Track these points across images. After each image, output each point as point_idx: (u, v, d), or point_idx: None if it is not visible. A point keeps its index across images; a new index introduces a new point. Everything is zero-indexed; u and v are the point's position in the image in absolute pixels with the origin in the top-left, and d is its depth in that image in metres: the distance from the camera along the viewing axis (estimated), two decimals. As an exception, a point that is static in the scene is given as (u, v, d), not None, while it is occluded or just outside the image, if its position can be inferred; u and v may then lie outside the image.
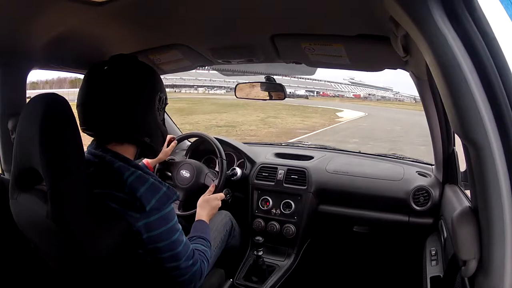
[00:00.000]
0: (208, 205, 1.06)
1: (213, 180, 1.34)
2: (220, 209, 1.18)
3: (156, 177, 0.73)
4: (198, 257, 0.80)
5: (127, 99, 0.72)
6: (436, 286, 0.91)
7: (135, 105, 0.73)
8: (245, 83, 1.47)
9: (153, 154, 0.83)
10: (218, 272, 1.10)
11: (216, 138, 1.44)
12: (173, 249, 0.73)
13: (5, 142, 0.96)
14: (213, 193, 1.17)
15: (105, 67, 0.72)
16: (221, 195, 1.15)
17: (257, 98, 1.45)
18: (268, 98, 1.44)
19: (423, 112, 1.18)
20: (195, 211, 1.04)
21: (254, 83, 1.44)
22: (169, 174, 1.42)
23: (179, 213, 1.28)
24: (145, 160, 1.31)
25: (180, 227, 0.76)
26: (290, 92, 45.60)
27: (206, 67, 1.36)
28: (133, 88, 0.73)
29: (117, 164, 0.70)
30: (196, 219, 1.00)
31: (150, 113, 0.75)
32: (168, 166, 1.44)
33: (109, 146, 0.74)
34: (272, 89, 1.42)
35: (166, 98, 0.81)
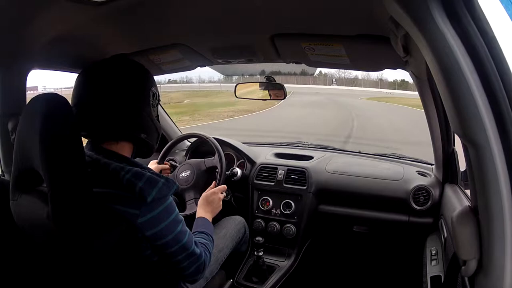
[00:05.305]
0: (208, 202, 1.05)
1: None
2: (228, 213, 1.17)
3: (153, 171, 0.73)
4: (201, 249, 0.81)
5: (122, 96, 0.73)
6: (436, 286, 0.91)
7: (130, 101, 0.74)
8: (245, 83, 1.47)
9: (149, 151, 0.83)
10: (219, 273, 1.11)
11: (216, 138, 1.43)
12: (180, 240, 0.74)
13: (5, 143, 0.95)
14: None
15: (98, 67, 0.74)
16: (222, 187, 1.13)
17: (257, 98, 1.45)
18: (268, 98, 1.43)
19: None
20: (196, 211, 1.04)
21: (254, 83, 1.44)
22: (170, 175, 1.42)
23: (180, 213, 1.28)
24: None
25: (182, 218, 0.76)
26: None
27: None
28: (127, 84, 0.74)
29: (113, 165, 0.69)
30: (197, 217, 1.00)
31: (145, 109, 0.76)
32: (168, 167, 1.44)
33: (105, 146, 0.74)
34: (272, 88, 1.42)
35: (159, 94, 0.81)
